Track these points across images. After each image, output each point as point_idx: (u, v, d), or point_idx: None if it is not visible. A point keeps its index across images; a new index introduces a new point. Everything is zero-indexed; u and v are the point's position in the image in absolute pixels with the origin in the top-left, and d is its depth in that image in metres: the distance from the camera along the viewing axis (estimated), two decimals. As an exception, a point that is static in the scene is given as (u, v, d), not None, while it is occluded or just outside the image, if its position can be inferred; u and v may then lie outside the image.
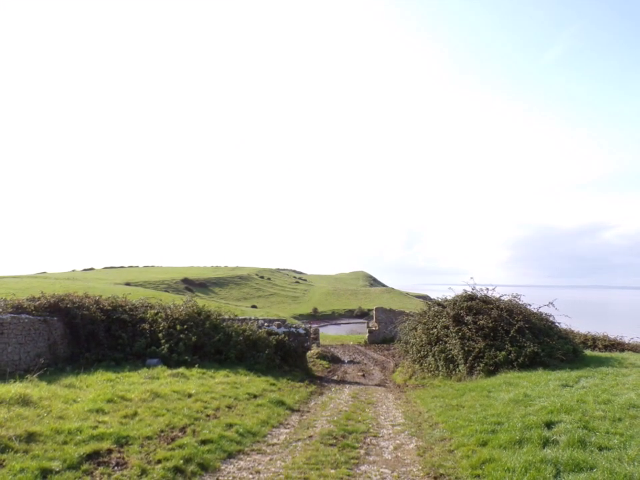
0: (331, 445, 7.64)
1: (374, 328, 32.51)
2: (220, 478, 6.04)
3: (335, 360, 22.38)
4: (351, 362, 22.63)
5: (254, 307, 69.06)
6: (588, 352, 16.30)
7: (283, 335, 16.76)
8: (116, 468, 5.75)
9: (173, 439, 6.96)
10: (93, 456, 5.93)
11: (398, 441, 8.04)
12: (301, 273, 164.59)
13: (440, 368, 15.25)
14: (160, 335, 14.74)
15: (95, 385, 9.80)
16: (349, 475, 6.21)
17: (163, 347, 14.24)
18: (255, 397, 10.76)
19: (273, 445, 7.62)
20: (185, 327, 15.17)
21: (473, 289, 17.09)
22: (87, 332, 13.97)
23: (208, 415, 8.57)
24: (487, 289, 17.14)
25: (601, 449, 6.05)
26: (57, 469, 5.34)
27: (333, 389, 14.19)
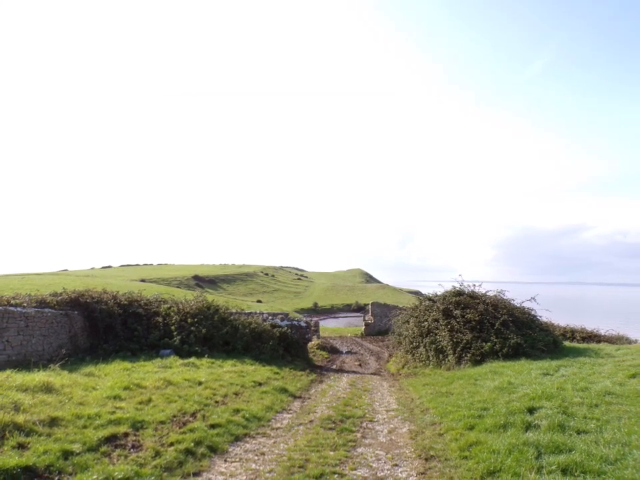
0: (330, 429, 7.65)
1: (370, 321, 32.49)
2: (227, 459, 6.05)
3: (333, 350, 22.39)
4: (348, 352, 22.63)
5: (259, 301, 68.97)
6: (567, 343, 16.29)
7: (286, 328, 16.77)
8: (132, 450, 5.77)
9: (184, 424, 6.98)
10: (111, 439, 5.95)
11: (392, 425, 8.04)
12: (302, 270, 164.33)
13: (430, 358, 15.25)
14: (172, 327, 14.78)
15: (112, 374, 9.84)
16: (346, 457, 6.22)
17: (175, 338, 14.28)
18: (260, 384, 10.78)
19: (277, 429, 7.64)
20: (196, 320, 15.21)
21: (461, 285, 17.07)
22: (105, 325, 14.02)
23: (217, 402, 8.59)
24: (474, 285, 17.13)
25: (579, 432, 6.06)
26: (78, 451, 5.35)
27: (332, 378, 14.19)
